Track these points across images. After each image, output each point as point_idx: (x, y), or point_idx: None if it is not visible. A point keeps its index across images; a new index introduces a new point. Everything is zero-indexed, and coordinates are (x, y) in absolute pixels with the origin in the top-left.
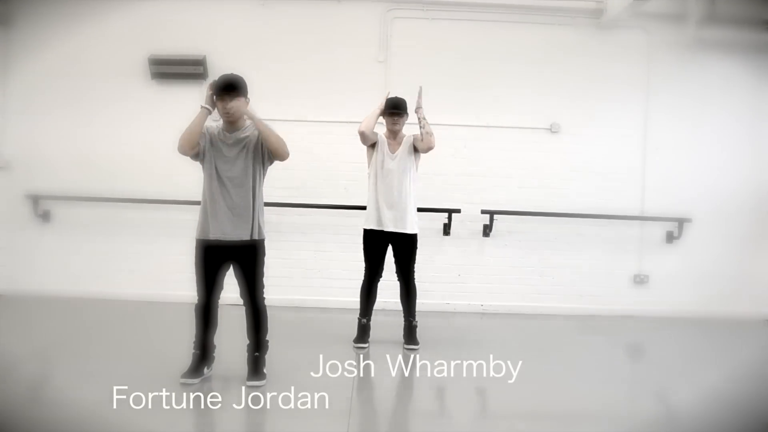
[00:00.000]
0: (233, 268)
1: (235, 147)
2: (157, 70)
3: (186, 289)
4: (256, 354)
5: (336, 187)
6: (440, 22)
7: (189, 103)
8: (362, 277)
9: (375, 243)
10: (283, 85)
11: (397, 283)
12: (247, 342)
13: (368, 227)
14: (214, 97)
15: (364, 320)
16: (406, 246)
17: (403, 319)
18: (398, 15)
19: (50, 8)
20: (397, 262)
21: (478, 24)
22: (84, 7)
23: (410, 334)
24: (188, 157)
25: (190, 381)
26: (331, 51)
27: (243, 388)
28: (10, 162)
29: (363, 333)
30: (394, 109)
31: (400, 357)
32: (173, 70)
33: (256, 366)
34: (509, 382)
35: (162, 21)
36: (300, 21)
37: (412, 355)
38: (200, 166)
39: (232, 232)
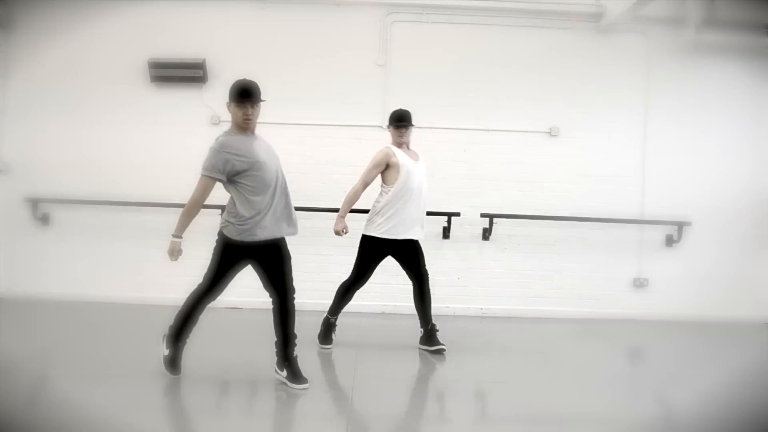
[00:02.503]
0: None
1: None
2: (157, 73)
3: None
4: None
5: (335, 190)
6: (439, 26)
7: (188, 106)
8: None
9: (380, 253)
10: (283, 88)
11: (399, 287)
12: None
13: (384, 237)
14: (232, 102)
15: (333, 319)
16: (413, 246)
17: (420, 324)
18: (398, 19)
19: (50, 11)
20: (409, 265)
21: (478, 28)
22: (83, 10)
23: (433, 338)
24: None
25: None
26: (330, 55)
27: (243, 390)
28: (10, 165)
29: (328, 333)
30: (400, 121)
31: (400, 360)
32: (173, 73)
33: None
34: (509, 385)
35: (161, 24)
36: (299, 24)
37: (411, 359)
38: (199, 171)
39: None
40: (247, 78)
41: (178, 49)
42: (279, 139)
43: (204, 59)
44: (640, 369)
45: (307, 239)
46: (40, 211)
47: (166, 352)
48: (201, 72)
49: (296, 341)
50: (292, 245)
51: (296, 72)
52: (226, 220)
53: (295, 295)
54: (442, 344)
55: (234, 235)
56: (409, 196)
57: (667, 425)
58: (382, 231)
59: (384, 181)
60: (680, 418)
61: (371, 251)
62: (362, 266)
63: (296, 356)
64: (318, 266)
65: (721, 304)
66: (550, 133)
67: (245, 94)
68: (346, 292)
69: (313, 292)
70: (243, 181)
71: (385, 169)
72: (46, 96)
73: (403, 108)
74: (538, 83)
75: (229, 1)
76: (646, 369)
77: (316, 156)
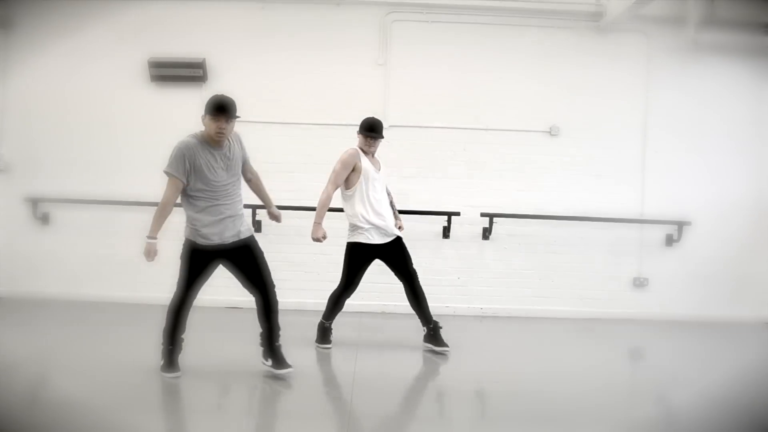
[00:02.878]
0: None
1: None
2: (157, 72)
3: None
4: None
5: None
6: (440, 25)
7: (188, 105)
8: (363, 280)
9: (368, 258)
10: (283, 87)
11: (400, 287)
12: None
13: (372, 242)
14: (207, 115)
15: (328, 323)
16: (398, 247)
17: (421, 324)
18: (398, 18)
19: (50, 11)
20: (397, 267)
21: (478, 27)
22: (84, 10)
23: (438, 336)
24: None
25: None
26: (330, 54)
27: (242, 388)
28: (10, 164)
29: (326, 335)
30: (370, 131)
31: (400, 359)
32: (173, 72)
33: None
34: (508, 385)
35: (162, 24)
36: (299, 24)
37: (411, 358)
38: None
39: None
40: (226, 95)
41: (178, 48)
42: (278, 138)
43: (204, 59)
44: (640, 368)
45: (307, 238)
46: (40, 210)
47: (161, 362)
48: (201, 71)
49: (280, 332)
50: (292, 245)
51: (296, 71)
52: (186, 223)
53: (276, 290)
54: (446, 345)
55: (193, 236)
56: (376, 203)
57: (667, 425)
58: (365, 237)
59: (345, 185)
60: (680, 417)
61: (357, 258)
62: (350, 273)
63: (279, 345)
64: (318, 266)
65: (720, 304)
66: (550, 132)
67: (221, 109)
68: (337, 300)
69: (313, 291)
70: (194, 185)
71: (351, 171)
72: (46, 95)
73: (376, 118)
74: (538, 82)
75: (229, 1)
76: (646, 368)
77: (315, 155)
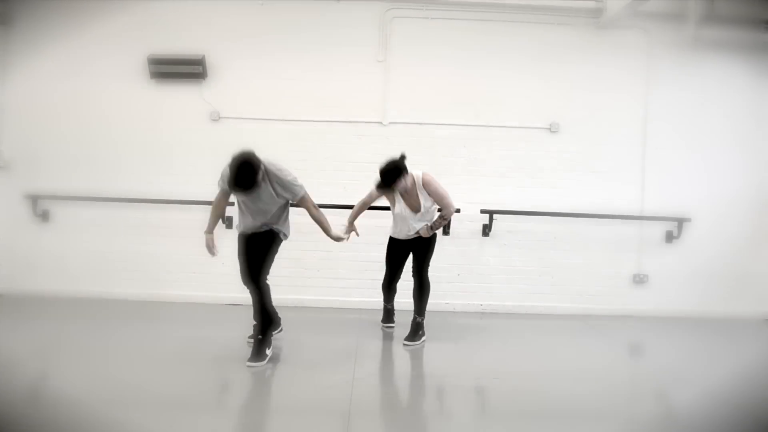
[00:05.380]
0: None
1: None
2: (156, 69)
3: (184, 288)
4: (259, 337)
5: (335, 186)
6: (439, 22)
7: (188, 102)
8: (363, 277)
9: (396, 249)
10: (282, 84)
11: (400, 284)
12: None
13: (393, 235)
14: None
15: (389, 306)
16: (421, 244)
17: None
18: (397, 14)
19: (50, 8)
20: (413, 258)
21: (478, 23)
22: (83, 7)
23: (412, 331)
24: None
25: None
26: (330, 50)
27: (241, 385)
28: (10, 162)
29: (387, 315)
30: (382, 188)
31: (400, 356)
32: (172, 69)
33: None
34: (508, 382)
35: (161, 21)
36: (299, 20)
37: (412, 355)
38: (198, 167)
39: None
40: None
41: (178, 45)
42: (278, 135)
43: (203, 55)
44: (639, 365)
45: (307, 236)
46: (40, 207)
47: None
48: (200, 68)
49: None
50: (292, 241)
51: (296, 68)
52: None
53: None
54: (414, 343)
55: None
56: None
57: (666, 421)
58: (391, 232)
59: None
60: (680, 414)
61: (388, 246)
62: (386, 262)
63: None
64: (318, 263)
65: (720, 300)
66: (550, 129)
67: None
68: (385, 288)
69: (312, 288)
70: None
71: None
72: (46, 92)
73: (386, 165)
74: (538, 79)
75: None
76: (646, 365)
77: (315, 152)
